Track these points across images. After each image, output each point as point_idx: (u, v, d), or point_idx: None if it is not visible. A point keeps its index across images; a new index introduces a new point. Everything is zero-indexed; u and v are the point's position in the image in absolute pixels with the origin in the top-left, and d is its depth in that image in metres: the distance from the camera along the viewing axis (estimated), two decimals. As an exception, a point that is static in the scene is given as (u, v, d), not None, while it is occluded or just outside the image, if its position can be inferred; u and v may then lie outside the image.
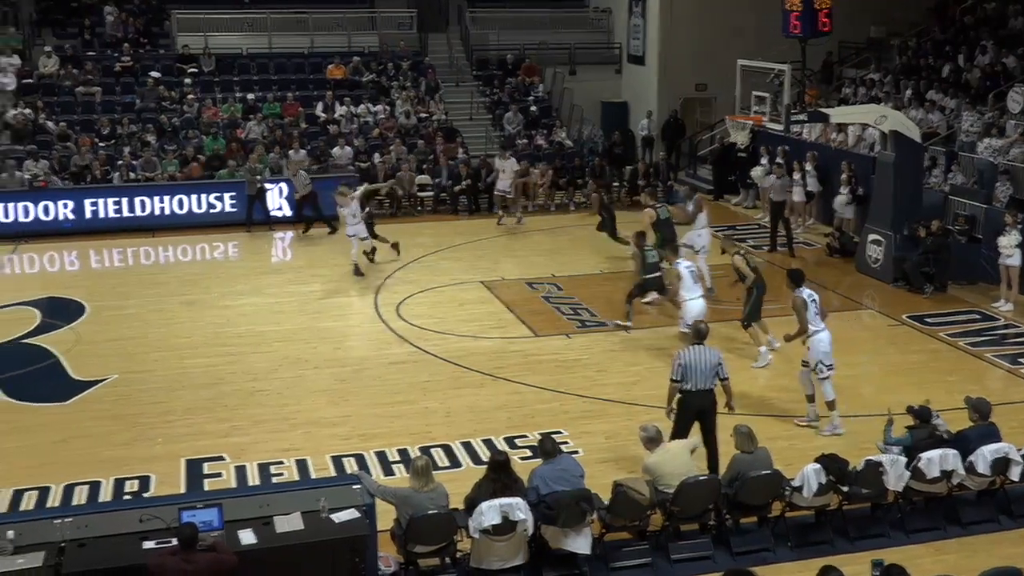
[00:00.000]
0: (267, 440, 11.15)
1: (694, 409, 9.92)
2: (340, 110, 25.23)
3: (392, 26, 28.42)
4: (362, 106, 25.57)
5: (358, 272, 17.39)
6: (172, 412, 11.93)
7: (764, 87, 16.52)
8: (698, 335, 10.23)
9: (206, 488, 10.02)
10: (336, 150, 23.54)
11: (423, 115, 25.68)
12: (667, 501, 8.78)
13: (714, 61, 23.78)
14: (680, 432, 9.85)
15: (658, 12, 26.51)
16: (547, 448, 8.79)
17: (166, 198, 21.36)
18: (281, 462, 10.61)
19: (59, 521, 7.94)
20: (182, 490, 9.97)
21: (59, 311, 15.81)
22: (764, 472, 8.94)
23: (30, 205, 20.74)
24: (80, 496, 9.88)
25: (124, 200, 21.16)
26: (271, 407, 12.09)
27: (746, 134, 18.83)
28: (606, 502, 8.72)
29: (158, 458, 10.68)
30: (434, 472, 8.61)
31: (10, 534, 7.54)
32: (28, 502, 9.76)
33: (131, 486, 10.11)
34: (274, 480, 10.21)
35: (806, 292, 11.30)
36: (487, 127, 26.45)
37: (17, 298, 16.48)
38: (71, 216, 20.88)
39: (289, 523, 7.97)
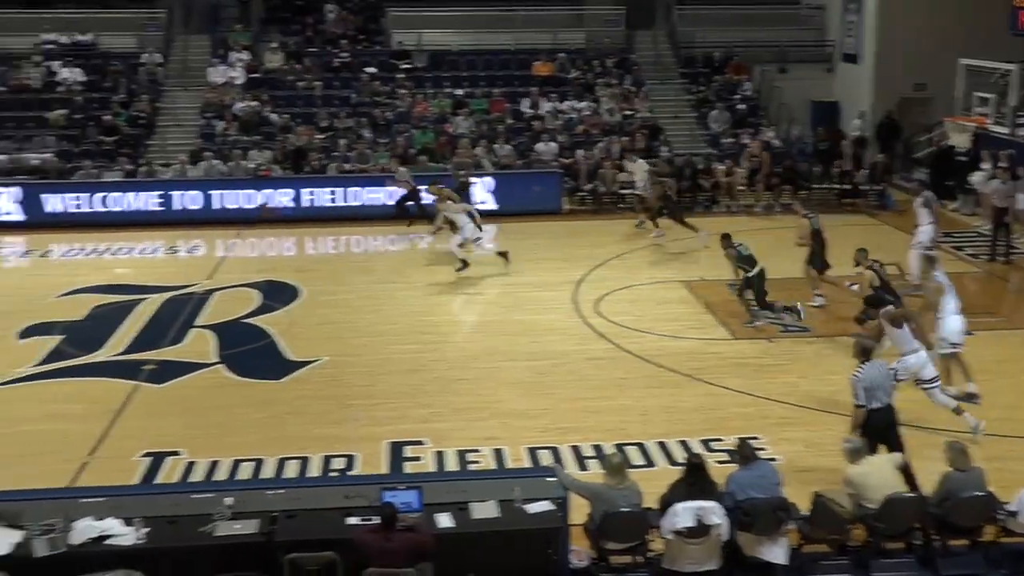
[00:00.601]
0: (466, 428, 11.43)
1: (882, 427, 9.59)
2: (545, 106, 25.53)
3: (599, 23, 28.51)
4: (567, 102, 25.78)
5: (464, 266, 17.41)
6: (377, 395, 12.40)
7: (988, 87, 15.67)
8: (865, 352, 9.89)
9: (406, 470, 10.38)
10: (540, 146, 23.84)
11: (627, 112, 25.64)
12: (870, 516, 8.47)
13: (933, 59, 22.73)
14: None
15: (875, 8, 25.51)
16: (745, 453, 8.65)
17: (377, 189, 22.23)
18: (478, 450, 10.85)
19: (272, 492, 8.44)
20: (384, 471, 10.36)
21: (277, 294, 16.72)
22: (978, 493, 8.49)
23: (254, 193, 22.04)
24: (291, 470, 10.41)
25: (339, 190, 22.20)
26: (470, 396, 12.39)
27: (967, 136, 17.91)
28: (804, 512, 8.51)
29: (363, 439, 11.12)
30: (628, 470, 8.62)
31: (228, 501, 8.04)
32: (245, 472, 10.37)
33: (337, 463, 10.58)
34: (471, 467, 10.46)
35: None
36: (692, 125, 26.17)
37: (241, 280, 17.54)
38: (290, 204, 22.06)
39: (484, 510, 8.16)
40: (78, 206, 21.70)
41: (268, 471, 10.39)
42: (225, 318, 15.49)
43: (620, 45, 28.20)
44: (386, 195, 21.97)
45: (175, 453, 10.76)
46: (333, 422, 11.67)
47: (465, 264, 17.26)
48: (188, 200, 21.92)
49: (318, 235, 21.07)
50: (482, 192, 22.03)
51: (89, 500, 8.19)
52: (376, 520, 7.65)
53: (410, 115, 25.25)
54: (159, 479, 10.22)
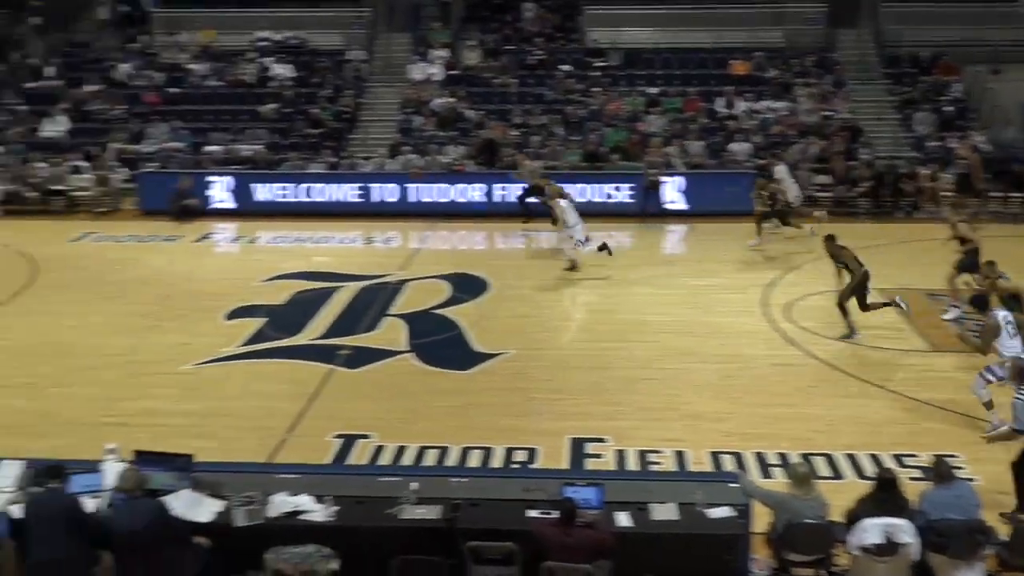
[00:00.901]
0: (649, 428, 11.35)
1: None
2: (741, 106, 25.06)
3: (799, 21, 27.75)
4: (763, 102, 25.23)
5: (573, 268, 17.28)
6: (561, 391, 12.49)
7: None
8: (1020, 375, 9.48)
9: (587, 467, 10.42)
10: (734, 146, 23.44)
11: (827, 113, 24.87)
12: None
13: None
14: None
15: (1108, 4, 23.86)
16: (942, 472, 8.26)
17: (566, 186, 22.32)
18: (660, 451, 10.76)
19: (456, 480, 8.65)
20: (565, 466, 10.43)
21: (466, 286, 17.10)
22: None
23: (447, 187, 22.60)
24: (474, 459, 10.63)
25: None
26: (655, 395, 12.31)
27: None
28: (1004, 538, 8.06)
29: (546, 433, 11.22)
30: (814, 480, 8.39)
31: (414, 486, 8.29)
32: (430, 459, 10.66)
33: (519, 456, 10.73)
34: (652, 468, 10.41)
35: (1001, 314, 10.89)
36: (895, 128, 25.13)
37: (433, 271, 18.03)
38: (482, 199, 22.51)
39: (664, 512, 8.09)
40: (284, 196, 22.83)
41: (452, 459, 10.63)
42: (416, 308, 15.95)
43: (820, 44, 27.37)
44: (577, 192, 22.10)
45: (365, 436, 11.17)
46: (517, 415, 11.82)
47: (574, 266, 17.34)
48: (386, 193, 22.69)
49: (507, 230, 21.39)
50: (673, 192, 21.84)
51: (285, 476, 8.63)
52: (555, 514, 7.73)
53: (603, 113, 25.29)
54: (350, 460, 10.63)
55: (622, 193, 22.26)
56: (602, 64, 26.98)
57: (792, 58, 26.68)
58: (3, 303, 16.30)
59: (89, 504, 7.90)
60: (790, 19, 27.85)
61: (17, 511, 7.81)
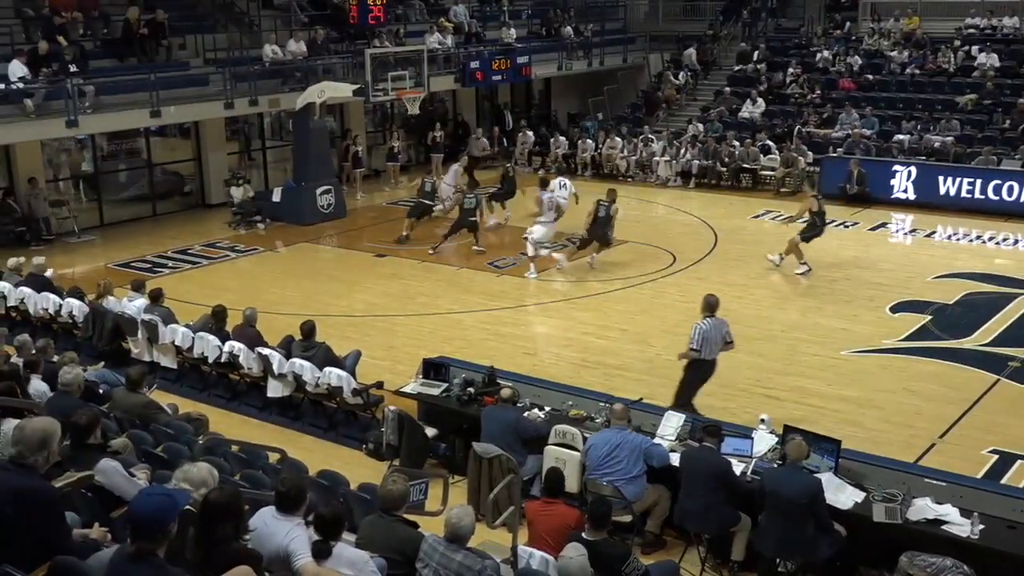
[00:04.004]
0: None
1: (707, 375, 10.68)
2: None
3: None
4: None
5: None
6: None
7: None
8: (709, 308, 10.75)
9: None
10: None
11: None
12: None
13: None
14: (689, 394, 10.64)
15: None
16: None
17: None
18: None
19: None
20: None
21: None
22: None
23: None
24: None
25: None
26: None
27: None
28: None
29: None
30: None
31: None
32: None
33: None
34: None
35: None
36: None
37: None
38: None
39: None
40: (970, 191, 21.68)
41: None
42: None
43: None
44: None
45: (1024, 457, 10.41)
46: None
47: None
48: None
49: None
50: None
51: (931, 481, 8.40)
52: None
53: None
54: (1005, 479, 9.97)
55: None
56: None
57: None
58: (683, 269, 17.82)
59: (737, 467, 8.47)
60: None
61: (680, 459, 8.63)
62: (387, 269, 18.09)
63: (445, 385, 10.58)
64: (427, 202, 20.16)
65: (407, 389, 10.77)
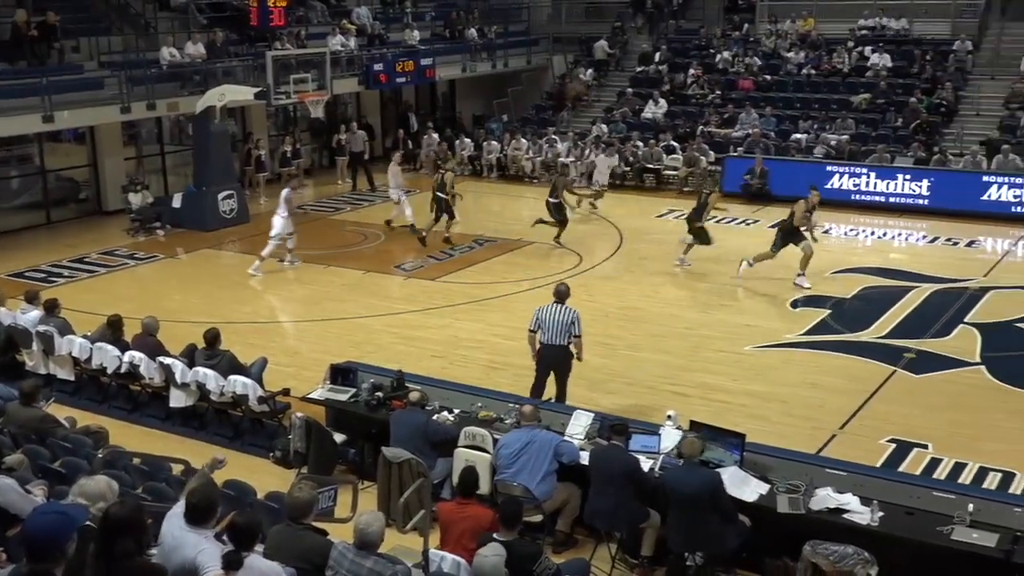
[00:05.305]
0: None
1: (547, 360, 10.91)
2: None
3: None
4: None
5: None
6: None
7: None
8: (558, 295, 11.05)
9: None
10: None
11: None
12: None
13: None
14: (540, 381, 11.01)
15: None
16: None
17: None
18: None
19: (1020, 510, 8.00)
20: None
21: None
22: None
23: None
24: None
25: None
26: None
27: None
28: None
29: None
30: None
31: (971, 507, 7.82)
32: (991, 482, 9.94)
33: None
34: None
35: None
36: None
37: (1020, 282, 16.65)
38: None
39: None
40: (865, 188, 22.28)
41: (1017, 486, 9.83)
42: (997, 319, 14.83)
43: None
44: None
45: (921, 446, 10.73)
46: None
47: None
48: (968, 191, 21.20)
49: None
50: None
51: (833, 471, 8.61)
52: None
53: None
54: (902, 467, 10.27)
55: None
56: None
57: None
58: (590, 268, 17.96)
59: (645, 463, 8.56)
60: None
61: (588, 458, 8.68)
62: (292, 274, 17.85)
63: (353, 390, 10.48)
64: (442, 195, 19.50)
65: (314, 395, 10.65)
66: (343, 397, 10.44)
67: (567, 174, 22.52)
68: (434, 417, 9.62)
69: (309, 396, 10.68)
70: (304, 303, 16.26)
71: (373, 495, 8.82)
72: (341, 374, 10.71)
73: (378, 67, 26.23)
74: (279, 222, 17.61)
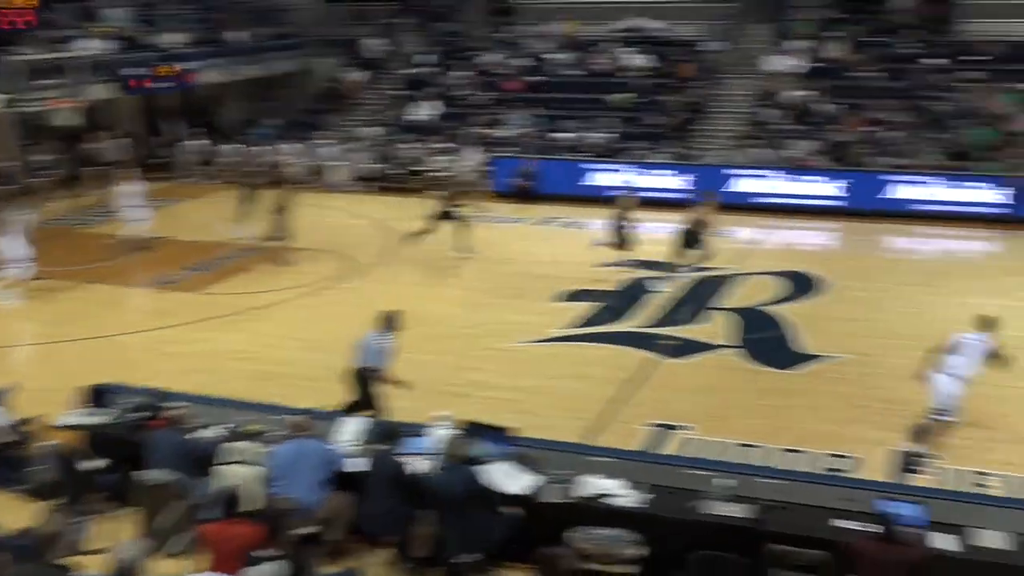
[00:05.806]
0: (981, 449, 10.65)
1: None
2: None
3: None
4: None
5: None
6: (893, 400, 11.83)
7: None
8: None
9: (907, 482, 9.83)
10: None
11: None
12: None
13: None
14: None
15: None
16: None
17: (922, 187, 21.20)
18: (989, 474, 10.07)
19: (766, 481, 8.51)
20: (883, 479, 9.89)
21: (802, 285, 16.66)
22: None
23: (792, 182, 22.07)
24: (788, 461, 10.36)
25: (884, 185, 21.49)
26: (997, 417, 11.41)
27: None
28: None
29: (867, 442, 10.76)
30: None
31: (727, 482, 8.27)
32: (743, 456, 10.51)
33: (835, 463, 10.36)
34: (978, 491, 9.68)
35: None
36: None
37: (769, 267, 17.73)
38: (829, 195, 21.78)
39: (993, 539, 7.60)
40: (615, 183, 23.08)
41: (765, 459, 10.43)
42: (745, 304, 15.74)
43: None
44: (931, 193, 20.90)
45: (680, 427, 11.24)
46: (838, 420, 11.43)
47: None
48: (722, 184, 22.43)
49: (851, 229, 20.57)
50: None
51: (599, 459, 8.90)
52: (871, 528, 7.36)
53: (971, 110, 23.48)
54: (664, 450, 10.72)
55: (990, 196, 20.78)
56: (974, 59, 24.92)
57: None
58: (364, 273, 17.82)
59: (422, 466, 8.54)
60: None
61: (360, 465, 8.60)
62: (38, 292, 16.74)
63: (112, 412, 9.97)
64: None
65: (69, 421, 10.05)
66: (100, 420, 9.92)
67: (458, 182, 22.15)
68: (195, 435, 9.27)
69: (63, 422, 10.07)
70: (54, 323, 15.32)
71: (135, 521, 8.43)
72: (97, 396, 10.17)
73: (136, 72, 25.08)
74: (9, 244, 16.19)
